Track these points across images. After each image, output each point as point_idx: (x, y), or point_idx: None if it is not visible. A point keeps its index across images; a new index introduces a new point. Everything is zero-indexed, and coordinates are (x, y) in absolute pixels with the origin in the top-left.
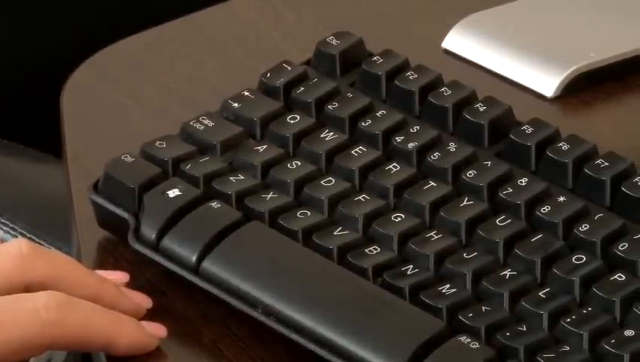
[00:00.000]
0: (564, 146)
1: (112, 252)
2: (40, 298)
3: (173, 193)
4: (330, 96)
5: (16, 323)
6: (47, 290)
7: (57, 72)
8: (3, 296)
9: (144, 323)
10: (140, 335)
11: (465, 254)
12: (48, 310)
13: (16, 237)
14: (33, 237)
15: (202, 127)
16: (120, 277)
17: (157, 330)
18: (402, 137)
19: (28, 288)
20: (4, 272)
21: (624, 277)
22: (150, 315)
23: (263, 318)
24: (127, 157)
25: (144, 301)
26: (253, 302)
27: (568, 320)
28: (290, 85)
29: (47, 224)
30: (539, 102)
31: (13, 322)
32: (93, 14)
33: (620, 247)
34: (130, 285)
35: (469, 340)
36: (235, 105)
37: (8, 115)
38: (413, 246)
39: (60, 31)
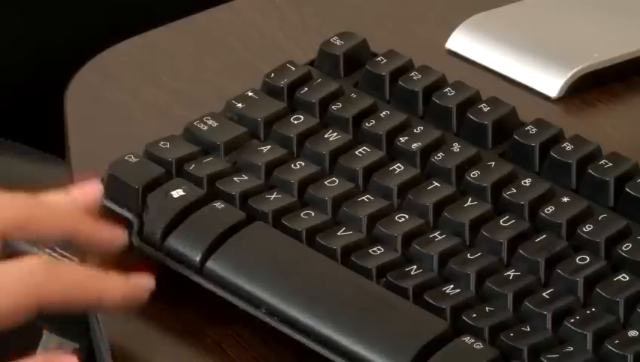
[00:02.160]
0: (568, 147)
1: (116, 252)
2: (26, 263)
3: (177, 193)
4: (333, 97)
5: (5, 292)
6: (31, 255)
7: (61, 73)
8: None
9: (133, 275)
10: (127, 289)
11: (469, 255)
12: (34, 274)
13: None
14: None
15: (206, 128)
16: (92, 190)
17: (144, 282)
18: (406, 138)
19: (3, 234)
20: None
21: (628, 278)
22: (154, 315)
23: (266, 318)
24: (130, 157)
25: (118, 233)
26: (256, 303)
27: (572, 320)
28: (294, 86)
29: None
30: (543, 103)
31: (2, 291)
32: (96, 15)
33: (623, 248)
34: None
35: (473, 341)
36: (239, 105)
37: (12, 115)
38: (417, 247)
39: (64, 31)
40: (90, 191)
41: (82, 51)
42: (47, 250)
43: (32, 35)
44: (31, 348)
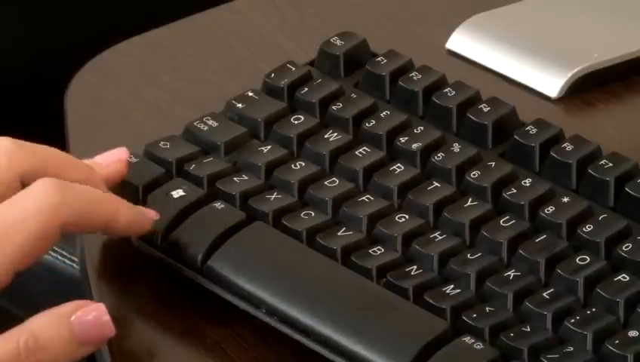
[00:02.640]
0: (568, 147)
1: (116, 252)
2: (36, 187)
3: (177, 193)
4: (334, 97)
5: (26, 219)
6: (39, 179)
7: (61, 73)
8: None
9: (139, 208)
10: (136, 213)
11: (469, 255)
12: (49, 194)
13: None
14: None
15: (206, 128)
16: (120, 156)
17: (149, 213)
18: (406, 138)
19: (22, 179)
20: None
21: (628, 278)
22: (154, 315)
23: (266, 318)
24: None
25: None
26: (256, 302)
27: (572, 320)
28: (294, 86)
29: None
30: (543, 103)
31: (23, 219)
32: (97, 15)
33: (623, 248)
34: (135, 285)
35: (473, 341)
36: (239, 105)
37: (12, 115)
38: (417, 247)
39: (64, 31)
40: (116, 158)
41: (82, 51)
42: None
43: (32, 35)
44: None
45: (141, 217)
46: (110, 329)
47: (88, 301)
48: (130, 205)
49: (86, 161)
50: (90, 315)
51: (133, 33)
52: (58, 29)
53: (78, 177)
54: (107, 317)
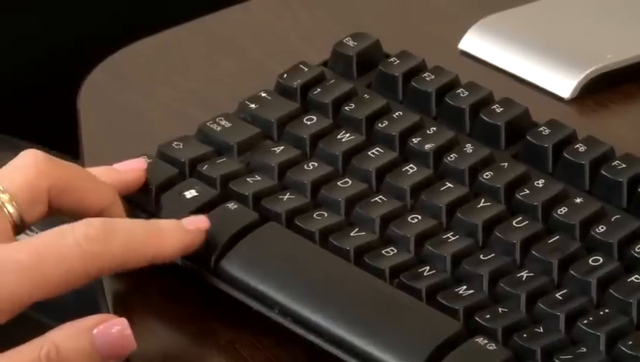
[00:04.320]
0: (581, 148)
1: None
2: (79, 229)
3: (190, 194)
4: (346, 97)
5: (61, 260)
6: (83, 219)
7: (74, 74)
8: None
9: (185, 220)
10: (183, 238)
11: (482, 256)
12: (90, 241)
13: None
14: None
15: (219, 128)
16: (139, 166)
17: (199, 224)
18: (419, 138)
19: (49, 194)
20: (26, 180)
21: None
22: (167, 315)
23: (279, 319)
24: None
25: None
26: (270, 303)
27: (585, 321)
28: (307, 86)
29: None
30: (556, 104)
31: (57, 258)
32: (109, 16)
33: (636, 249)
34: (148, 285)
35: (486, 341)
36: (252, 106)
37: (25, 116)
38: (430, 248)
39: (76, 32)
40: (135, 167)
41: (95, 52)
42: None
43: (45, 36)
44: None
45: (191, 238)
46: (132, 344)
47: (111, 315)
48: (178, 229)
49: (104, 168)
50: (113, 329)
51: (148, 34)
52: (71, 30)
53: (104, 200)
54: (129, 332)
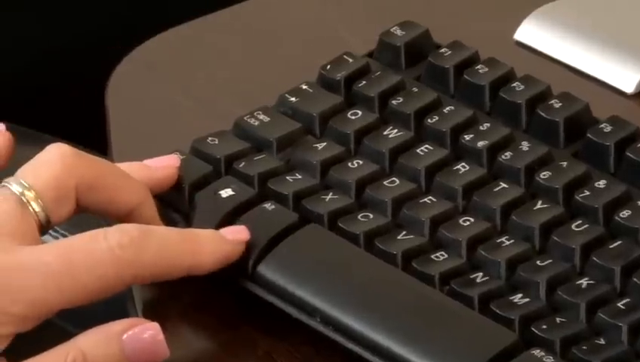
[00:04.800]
0: None
1: None
2: (112, 236)
3: (226, 193)
4: (394, 91)
5: (93, 266)
6: (117, 225)
7: (103, 65)
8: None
9: (224, 230)
10: (222, 248)
11: (539, 261)
12: (123, 248)
13: (57, 238)
14: None
15: (257, 123)
16: (171, 162)
17: (238, 234)
18: (472, 135)
19: (77, 191)
20: (52, 176)
21: None
22: (201, 324)
23: (320, 327)
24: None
25: None
26: (310, 311)
27: None
28: (352, 78)
29: (89, 225)
30: (618, 99)
31: (89, 263)
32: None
33: None
34: (181, 292)
35: (543, 354)
36: (293, 99)
37: (51, 109)
38: (483, 253)
39: (105, 19)
40: (167, 164)
41: (125, 42)
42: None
43: (70, 25)
44: None
45: (230, 249)
46: (164, 351)
47: (141, 319)
48: (216, 238)
49: (135, 163)
50: (144, 334)
51: (179, 22)
52: (100, 18)
53: (134, 198)
54: (162, 337)
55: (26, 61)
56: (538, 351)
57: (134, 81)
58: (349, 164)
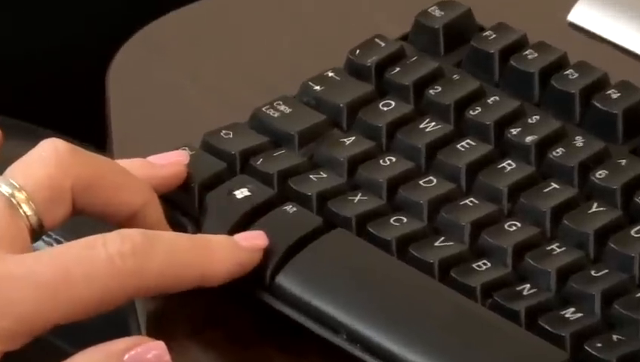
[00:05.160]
0: None
1: None
2: (112, 243)
3: (241, 193)
4: (431, 79)
5: (91, 276)
6: (116, 230)
7: (103, 48)
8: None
9: (239, 236)
10: (236, 256)
11: (593, 271)
12: (124, 257)
13: (51, 244)
14: None
15: (277, 114)
16: (179, 159)
17: (255, 240)
18: (519, 129)
19: (73, 191)
20: (46, 175)
21: None
22: (213, 341)
23: (346, 346)
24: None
25: None
26: (335, 326)
27: None
28: (384, 65)
29: (86, 230)
30: None
31: (87, 277)
32: None
33: None
34: (189, 305)
35: None
36: (317, 88)
37: (45, 100)
38: (530, 261)
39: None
40: (174, 161)
41: (127, 24)
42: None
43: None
44: None
45: (245, 257)
46: None
47: (145, 337)
48: (230, 245)
49: (138, 160)
50: (148, 354)
51: (189, 1)
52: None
53: (137, 200)
54: (168, 358)
55: (18, 48)
56: None
57: (138, 66)
58: (381, 161)
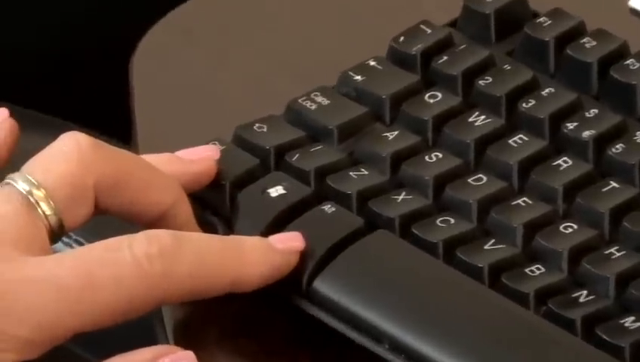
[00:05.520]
0: None
1: None
2: (139, 244)
3: (275, 191)
4: (481, 69)
5: (115, 281)
6: (143, 231)
7: (125, 36)
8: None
9: (273, 237)
10: (270, 259)
11: None
12: (151, 260)
13: (71, 246)
14: None
15: (314, 106)
16: (210, 154)
17: (291, 242)
18: (575, 123)
19: (96, 189)
20: (67, 171)
21: None
22: (243, 351)
23: (389, 356)
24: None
25: None
26: (377, 335)
27: None
28: (430, 53)
29: (110, 231)
30: None
31: (112, 281)
32: None
33: None
34: (218, 312)
35: None
36: (358, 78)
37: (64, 90)
38: (588, 266)
39: None
40: (204, 156)
41: (154, 4)
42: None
43: None
44: None
45: (281, 260)
46: None
47: (173, 346)
48: (264, 247)
49: (165, 155)
50: None
51: None
52: None
53: (165, 198)
54: None
55: (34, 33)
56: None
57: (164, 53)
58: (426, 158)
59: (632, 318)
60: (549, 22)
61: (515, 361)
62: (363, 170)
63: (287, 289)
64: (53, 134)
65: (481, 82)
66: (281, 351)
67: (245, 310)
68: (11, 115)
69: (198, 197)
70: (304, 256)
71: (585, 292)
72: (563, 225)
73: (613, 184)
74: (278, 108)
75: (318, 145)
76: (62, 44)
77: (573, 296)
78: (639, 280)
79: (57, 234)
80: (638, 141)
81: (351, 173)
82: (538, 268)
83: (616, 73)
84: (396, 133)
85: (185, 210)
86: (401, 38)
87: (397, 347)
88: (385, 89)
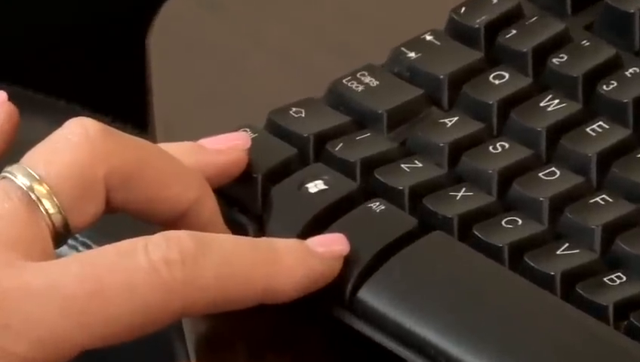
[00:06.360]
0: None
1: None
2: (156, 248)
3: (315, 187)
4: (555, 45)
5: (128, 290)
6: (161, 233)
7: (141, 6)
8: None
9: (312, 240)
10: (309, 265)
11: None
12: (170, 266)
13: (77, 249)
14: None
15: (361, 88)
16: (239, 143)
17: (333, 246)
18: None
19: (106, 180)
20: (73, 162)
21: None
22: None
23: None
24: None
25: None
26: (431, 353)
27: None
28: (496, 26)
29: (123, 232)
30: None
31: (125, 290)
32: None
33: None
34: (246, 325)
35: None
36: (412, 55)
37: (70, 68)
38: None
39: None
40: (232, 145)
41: None
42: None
43: None
44: None
45: (321, 267)
46: None
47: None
48: (301, 250)
49: (187, 144)
50: None
51: None
52: None
53: (188, 194)
54: None
55: (36, 6)
56: None
57: (186, 27)
58: (490, 148)
59: None
60: None
61: None
62: (417, 161)
63: (328, 300)
64: (58, 120)
65: (554, 60)
66: None
67: (278, 324)
68: (10, 98)
69: (225, 193)
70: (348, 261)
71: None
72: None
73: None
74: (319, 90)
75: (365, 133)
76: (74, 21)
77: None
78: None
79: (62, 235)
80: None
81: (403, 166)
82: (619, 277)
83: None
84: (455, 119)
85: (209, 207)
86: (463, 9)
87: None
88: (443, 68)
